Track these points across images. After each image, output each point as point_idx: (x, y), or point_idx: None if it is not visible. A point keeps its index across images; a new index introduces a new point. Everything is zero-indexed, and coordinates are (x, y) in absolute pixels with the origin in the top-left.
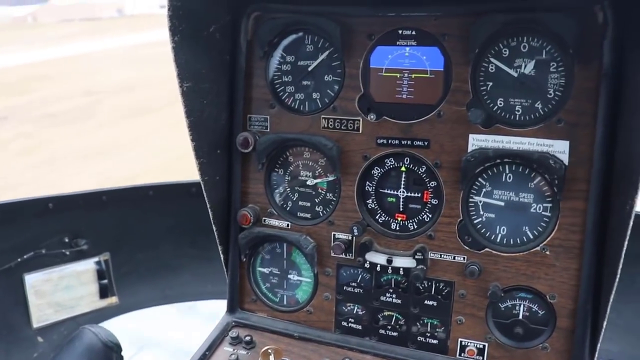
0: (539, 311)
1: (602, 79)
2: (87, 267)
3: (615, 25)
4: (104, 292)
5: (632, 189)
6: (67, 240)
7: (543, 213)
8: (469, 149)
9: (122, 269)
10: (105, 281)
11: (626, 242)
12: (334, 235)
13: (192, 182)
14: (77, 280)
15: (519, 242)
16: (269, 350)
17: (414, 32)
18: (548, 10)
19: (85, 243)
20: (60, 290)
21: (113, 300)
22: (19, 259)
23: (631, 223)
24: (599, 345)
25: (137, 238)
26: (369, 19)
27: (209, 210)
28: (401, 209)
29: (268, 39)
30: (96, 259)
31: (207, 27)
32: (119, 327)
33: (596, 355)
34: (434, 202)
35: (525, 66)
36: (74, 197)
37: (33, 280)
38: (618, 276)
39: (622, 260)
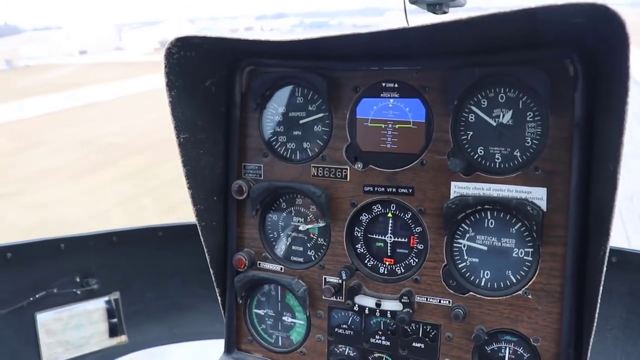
0: (524, 354)
1: (574, 128)
2: (97, 306)
3: (585, 78)
4: (113, 331)
5: (604, 236)
6: (78, 279)
7: (525, 258)
8: (451, 196)
9: (131, 308)
10: (115, 320)
11: (601, 287)
12: (325, 278)
13: None
14: (87, 319)
15: (502, 286)
16: None
17: (396, 85)
18: (521, 64)
19: (96, 282)
20: (70, 329)
21: (122, 339)
22: (31, 298)
23: (604, 269)
24: None
25: (147, 278)
26: (354, 72)
27: (206, 254)
28: (389, 254)
29: (261, 91)
30: (106, 298)
31: (203, 81)
32: None
33: None
34: (419, 247)
35: (503, 116)
36: (85, 237)
37: (44, 319)
38: (596, 320)
39: (598, 304)
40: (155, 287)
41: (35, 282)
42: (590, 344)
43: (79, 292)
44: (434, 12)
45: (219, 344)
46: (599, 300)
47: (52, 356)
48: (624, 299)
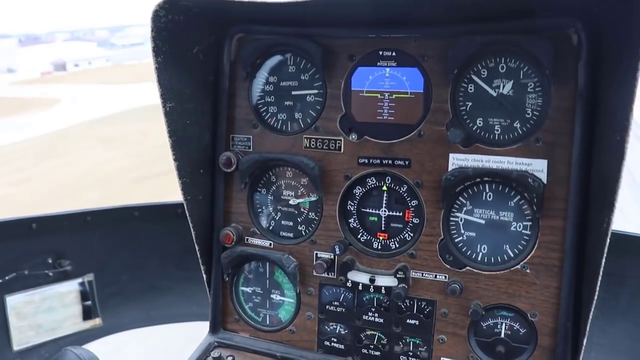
0: (521, 329)
1: (577, 99)
2: (70, 288)
3: (589, 48)
4: (87, 314)
5: (608, 209)
6: (50, 261)
7: (523, 231)
8: (449, 168)
9: (106, 290)
10: (89, 302)
11: (603, 261)
12: (316, 254)
13: (178, 203)
14: (60, 301)
15: (499, 260)
16: None
17: (394, 53)
18: (524, 32)
19: (69, 264)
20: (42, 312)
21: (96, 321)
22: (0, 280)
23: (608, 241)
24: None
25: (122, 259)
26: (350, 40)
27: (192, 229)
28: (383, 228)
29: (251, 60)
30: (80, 279)
31: (191, 48)
32: (103, 349)
33: None
34: (415, 221)
35: (504, 86)
36: (57, 217)
37: (14, 302)
38: (596, 294)
39: (599, 278)
40: (131, 268)
41: (5, 263)
42: (590, 318)
43: (51, 274)
44: None
45: (196, 327)
46: (600, 274)
47: (22, 340)
48: (602, 279)
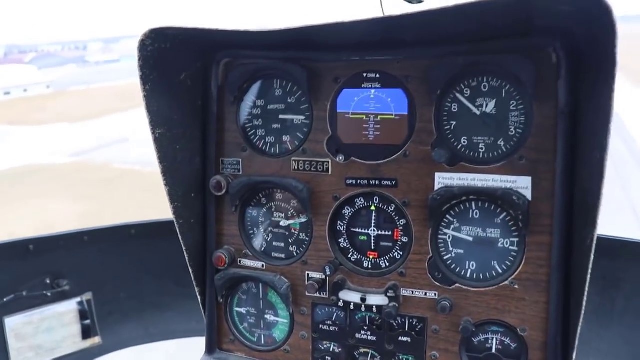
0: (511, 344)
1: (559, 117)
2: (69, 307)
3: (568, 66)
4: (86, 333)
5: (590, 225)
6: (48, 281)
7: (510, 248)
8: (435, 187)
9: (105, 308)
10: (88, 321)
11: (588, 277)
12: (308, 274)
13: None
14: (59, 321)
15: (488, 276)
16: None
17: (378, 75)
18: (505, 52)
19: (67, 283)
20: (41, 333)
21: (96, 340)
22: None
23: (592, 257)
24: None
25: (120, 277)
26: (335, 63)
27: (185, 252)
28: (373, 247)
29: (238, 84)
30: (78, 299)
31: (178, 74)
32: None
33: None
34: (404, 240)
35: (487, 105)
36: (54, 238)
37: (13, 324)
38: (583, 309)
39: (586, 294)
40: (129, 286)
41: (2, 285)
42: (578, 332)
43: (49, 294)
44: (410, 2)
45: (196, 342)
46: (587, 289)
47: None
48: (597, 284)
